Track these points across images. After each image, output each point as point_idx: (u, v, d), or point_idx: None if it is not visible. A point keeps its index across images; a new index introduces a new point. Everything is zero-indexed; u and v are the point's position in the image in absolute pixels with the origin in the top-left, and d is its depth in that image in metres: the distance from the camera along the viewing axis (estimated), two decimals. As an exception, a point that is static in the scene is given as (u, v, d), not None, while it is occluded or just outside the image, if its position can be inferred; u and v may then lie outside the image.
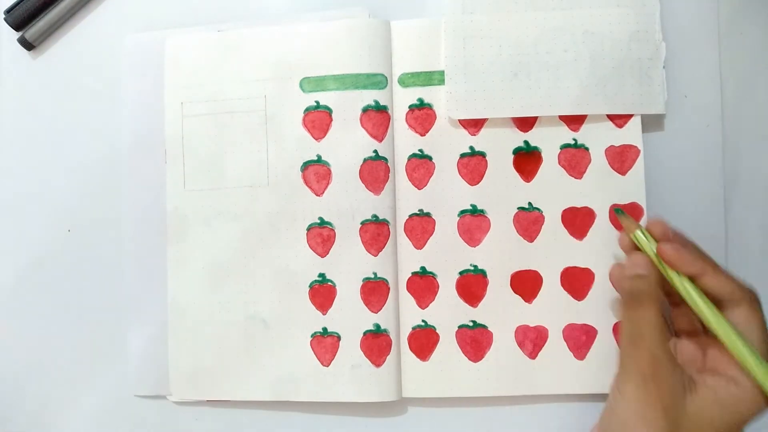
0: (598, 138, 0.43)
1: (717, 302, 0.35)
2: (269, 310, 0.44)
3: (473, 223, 0.44)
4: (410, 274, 0.44)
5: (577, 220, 0.43)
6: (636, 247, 0.38)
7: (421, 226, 0.44)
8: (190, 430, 0.46)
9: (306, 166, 0.44)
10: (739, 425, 0.34)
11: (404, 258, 0.44)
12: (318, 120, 0.44)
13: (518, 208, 0.44)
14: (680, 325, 0.39)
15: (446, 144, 0.44)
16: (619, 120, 0.43)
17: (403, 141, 0.44)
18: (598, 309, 0.43)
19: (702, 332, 0.38)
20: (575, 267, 0.43)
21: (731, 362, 0.35)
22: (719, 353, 0.35)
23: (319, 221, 0.44)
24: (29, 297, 0.48)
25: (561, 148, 0.44)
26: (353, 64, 0.44)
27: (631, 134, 0.43)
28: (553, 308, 0.43)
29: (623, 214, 0.39)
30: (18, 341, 0.48)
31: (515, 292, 0.43)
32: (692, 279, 0.36)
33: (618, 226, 0.43)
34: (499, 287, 0.43)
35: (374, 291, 0.43)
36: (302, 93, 0.44)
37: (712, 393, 0.34)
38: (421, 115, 0.44)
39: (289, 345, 0.44)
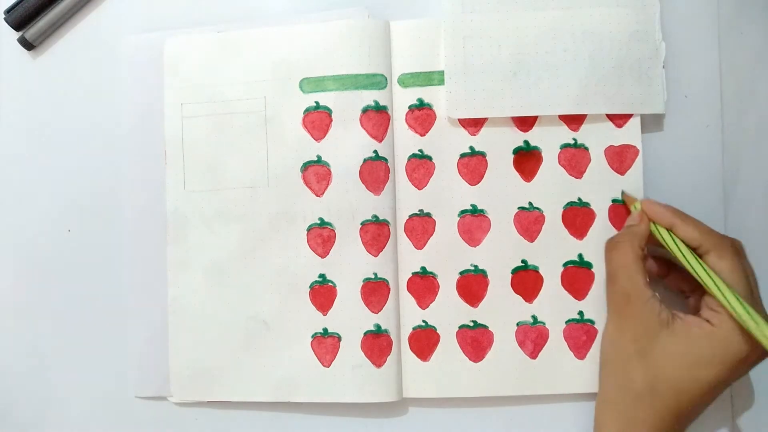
0: (597, 138, 0.43)
1: (697, 252, 0.38)
2: (270, 311, 0.44)
3: (473, 223, 0.44)
4: (410, 275, 0.44)
5: (577, 220, 0.43)
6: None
7: (421, 226, 0.44)
8: (190, 430, 0.46)
9: (306, 166, 0.44)
10: (706, 364, 0.36)
11: (404, 258, 0.44)
12: (318, 120, 0.44)
13: (518, 208, 0.44)
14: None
15: (446, 144, 0.44)
16: (619, 120, 0.43)
17: (403, 141, 0.44)
18: (599, 309, 0.43)
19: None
20: (575, 267, 0.43)
21: (710, 305, 0.37)
22: (703, 297, 0.38)
23: (319, 222, 0.44)
24: (29, 297, 0.48)
25: (561, 148, 0.44)
26: (353, 65, 0.44)
27: (631, 134, 0.43)
28: (554, 308, 0.43)
29: (625, 193, 0.43)
30: (18, 341, 0.48)
31: (516, 291, 0.43)
32: (671, 231, 0.39)
33: (617, 224, 0.43)
34: (499, 287, 0.43)
35: (375, 291, 0.43)
36: (302, 93, 0.44)
37: (686, 328, 0.37)
38: (421, 116, 0.44)
39: (290, 346, 0.44)
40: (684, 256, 0.38)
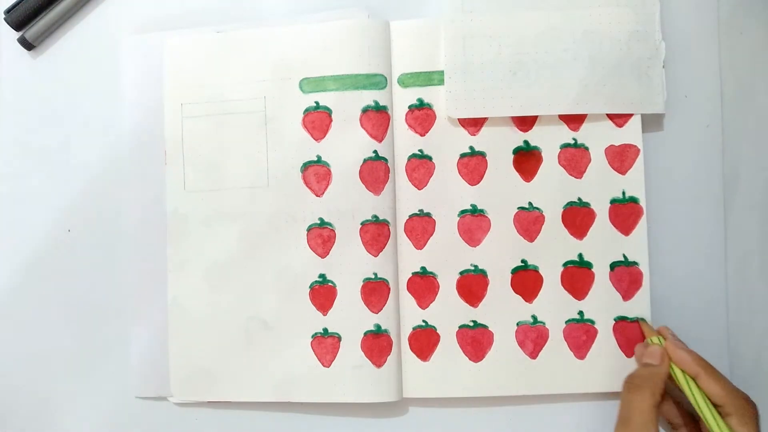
0: (597, 137, 0.43)
1: (718, 410, 0.37)
2: (270, 311, 0.44)
3: (473, 223, 0.44)
4: (410, 275, 0.44)
5: (577, 220, 0.43)
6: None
7: (421, 226, 0.44)
8: (190, 430, 0.46)
9: (306, 166, 0.44)
10: None
11: (404, 258, 0.44)
12: (318, 120, 0.44)
13: (518, 208, 0.44)
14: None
15: (446, 144, 0.44)
16: (619, 119, 0.43)
17: (403, 141, 0.44)
18: (598, 308, 0.43)
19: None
20: (575, 266, 0.43)
21: None
22: None
23: (319, 222, 0.44)
24: (29, 297, 0.48)
25: (561, 148, 0.44)
26: (353, 65, 0.44)
27: (631, 134, 0.43)
28: (554, 308, 0.43)
29: (644, 322, 0.42)
30: (18, 342, 0.48)
31: (515, 291, 0.43)
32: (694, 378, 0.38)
33: (617, 224, 0.43)
34: (499, 287, 0.43)
35: (375, 291, 0.43)
36: (302, 94, 0.44)
37: None
38: (421, 115, 0.44)
39: (290, 346, 0.44)
40: (701, 409, 0.37)
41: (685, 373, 0.38)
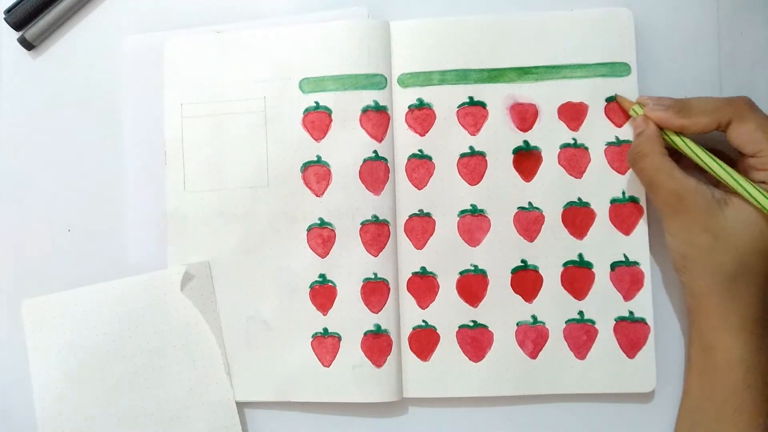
0: (597, 137, 0.43)
1: (720, 129, 0.39)
2: (270, 311, 0.44)
3: (473, 223, 0.44)
4: (410, 275, 0.44)
5: (577, 220, 0.43)
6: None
7: (421, 226, 0.44)
8: (191, 430, 0.46)
9: (306, 166, 0.44)
10: None
11: (404, 258, 0.44)
12: (318, 120, 0.44)
13: (518, 208, 0.44)
14: None
15: (446, 144, 0.44)
16: (619, 119, 0.43)
17: (403, 141, 0.44)
18: (598, 308, 0.43)
19: None
20: (575, 266, 0.43)
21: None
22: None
23: (319, 222, 0.44)
24: (29, 297, 0.48)
25: (561, 148, 0.44)
26: (352, 65, 0.44)
27: (631, 133, 0.43)
28: (554, 308, 0.43)
29: (619, 96, 0.43)
30: (18, 342, 0.48)
31: (515, 291, 0.43)
32: (683, 131, 0.40)
33: (617, 224, 0.43)
34: (499, 287, 0.43)
35: (375, 291, 0.43)
36: (302, 94, 0.44)
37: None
38: (421, 115, 0.44)
39: (290, 345, 0.44)
40: (694, 152, 0.39)
41: (676, 135, 0.40)
